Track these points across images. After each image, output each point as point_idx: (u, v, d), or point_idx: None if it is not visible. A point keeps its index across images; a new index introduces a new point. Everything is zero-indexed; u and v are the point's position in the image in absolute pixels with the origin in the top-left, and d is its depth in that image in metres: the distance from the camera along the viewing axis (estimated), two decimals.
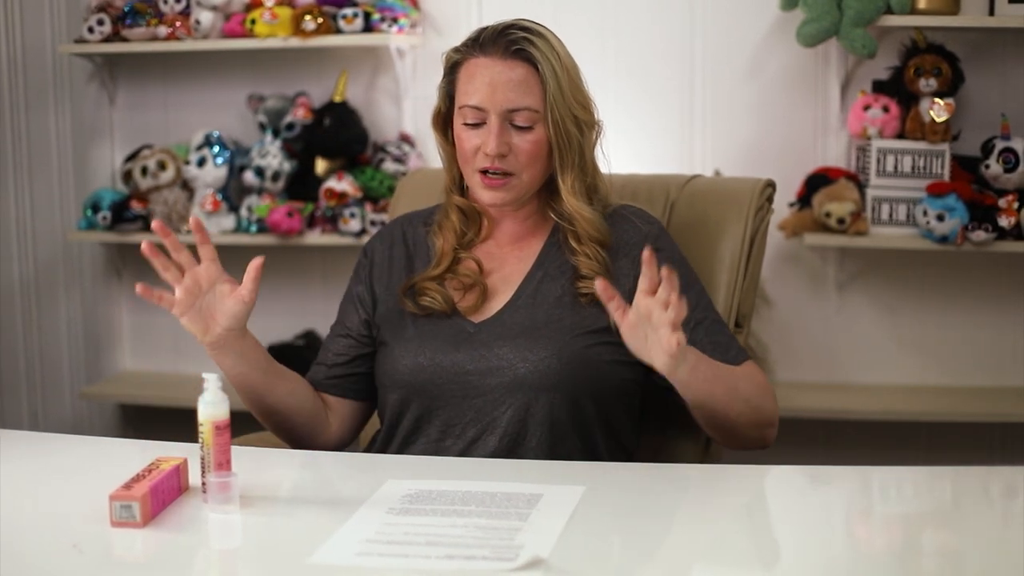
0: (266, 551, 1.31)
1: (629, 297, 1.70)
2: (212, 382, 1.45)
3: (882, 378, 3.15)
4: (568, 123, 1.74)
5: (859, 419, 3.05)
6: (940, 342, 3.14)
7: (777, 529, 1.38)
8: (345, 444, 1.87)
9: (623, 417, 1.79)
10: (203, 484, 1.43)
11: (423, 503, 1.42)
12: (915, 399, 3.05)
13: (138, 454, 1.62)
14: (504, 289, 1.80)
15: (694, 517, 1.46)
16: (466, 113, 1.74)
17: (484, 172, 1.74)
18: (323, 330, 2.98)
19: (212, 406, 1.44)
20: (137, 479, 1.39)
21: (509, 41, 1.74)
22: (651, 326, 1.50)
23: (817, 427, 3.14)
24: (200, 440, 1.45)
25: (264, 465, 1.62)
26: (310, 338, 3.31)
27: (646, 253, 1.49)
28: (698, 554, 1.33)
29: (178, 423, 2.16)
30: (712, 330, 1.76)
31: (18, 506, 1.45)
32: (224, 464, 1.45)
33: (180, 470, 1.46)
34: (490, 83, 1.73)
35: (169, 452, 1.52)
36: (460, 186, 1.84)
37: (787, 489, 1.50)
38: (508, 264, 1.82)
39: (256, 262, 1.60)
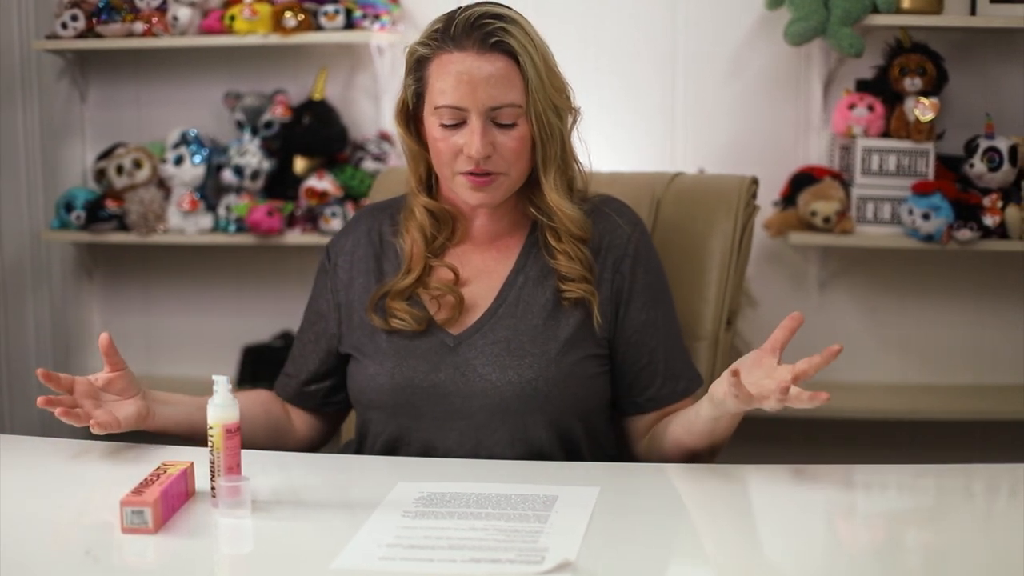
0: (284, 556, 1.28)
1: (608, 303, 1.68)
2: (222, 384, 1.41)
3: (865, 376, 3.15)
4: (550, 114, 1.64)
5: (841, 417, 3.04)
6: (923, 340, 3.14)
7: (760, 527, 1.38)
8: (318, 448, 1.81)
9: (606, 427, 1.75)
10: (212, 488, 1.40)
11: (437, 506, 1.39)
12: (898, 397, 3.05)
13: (142, 458, 1.58)
14: (484, 296, 1.70)
15: (714, 516, 1.44)
16: (443, 114, 1.62)
17: (468, 173, 1.64)
18: None
19: (222, 409, 1.41)
20: (146, 484, 1.35)
21: (485, 33, 1.61)
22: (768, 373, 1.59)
23: (799, 425, 3.13)
24: (210, 444, 1.41)
25: (271, 468, 1.59)
26: (288, 339, 3.25)
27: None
28: (726, 554, 1.32)
29: None
30: (670, 356, 1.72)
31: (22, 512, 1.40)
32: (234, 468, 1.41)
33: (187, 474, 1.42)
34: (469, 80, 1.60)
35: (175, 456, 1.48)
36: (427, 186, 1.74)
37: (770, 487, 1.49)
38: (486, 268, 1.72)
39: (103, 338, 1.60)
